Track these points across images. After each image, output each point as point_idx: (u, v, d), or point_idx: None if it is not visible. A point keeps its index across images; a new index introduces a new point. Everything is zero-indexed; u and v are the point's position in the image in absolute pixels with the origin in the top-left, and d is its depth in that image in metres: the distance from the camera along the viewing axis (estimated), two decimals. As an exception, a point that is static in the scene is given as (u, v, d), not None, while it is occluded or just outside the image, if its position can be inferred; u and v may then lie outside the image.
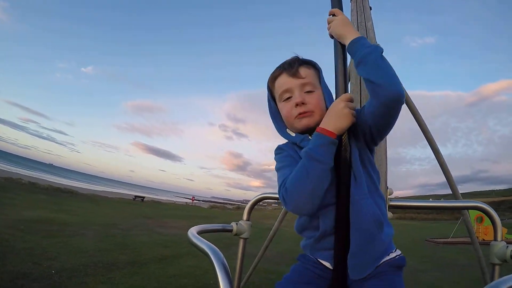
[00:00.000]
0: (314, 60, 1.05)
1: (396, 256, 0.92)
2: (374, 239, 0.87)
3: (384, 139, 1.47)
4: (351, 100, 0.89)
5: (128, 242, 6.39)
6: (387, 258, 0.90)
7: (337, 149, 0.87)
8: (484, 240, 11.30)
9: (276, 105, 1.07)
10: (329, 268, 0.93)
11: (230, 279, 0.70)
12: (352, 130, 0.91)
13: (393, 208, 1.44)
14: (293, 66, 0.99)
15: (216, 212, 25.57)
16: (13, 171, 31.08)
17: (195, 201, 40.72)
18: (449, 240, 12.40)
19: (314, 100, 0.97)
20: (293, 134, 1.02)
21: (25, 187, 15.41)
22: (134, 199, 24.52)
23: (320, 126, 0.88)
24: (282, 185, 0.90)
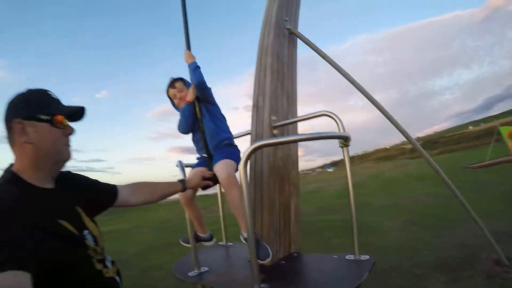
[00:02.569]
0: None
1: (227, 141, 1.92)
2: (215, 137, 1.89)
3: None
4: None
5: (181, 230, 7.58)
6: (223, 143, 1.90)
7: (195, 107, 1.89)
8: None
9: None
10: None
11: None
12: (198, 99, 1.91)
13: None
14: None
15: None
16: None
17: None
18: (485, 163, 12.26)
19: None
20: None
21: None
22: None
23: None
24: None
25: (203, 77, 1.88)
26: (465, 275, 3.09)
